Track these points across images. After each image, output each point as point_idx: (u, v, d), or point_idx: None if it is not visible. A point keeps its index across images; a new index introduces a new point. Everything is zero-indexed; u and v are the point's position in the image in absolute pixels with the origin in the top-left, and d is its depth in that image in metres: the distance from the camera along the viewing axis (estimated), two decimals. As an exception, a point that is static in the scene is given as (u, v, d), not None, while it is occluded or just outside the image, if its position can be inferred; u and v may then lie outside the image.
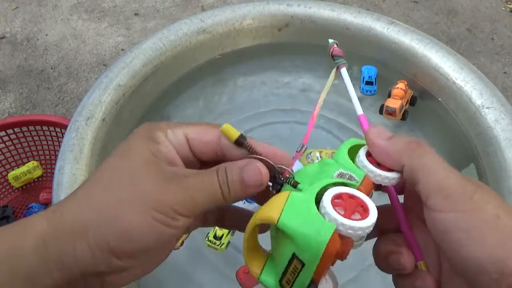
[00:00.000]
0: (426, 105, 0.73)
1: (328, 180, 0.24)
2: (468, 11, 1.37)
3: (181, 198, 0.21)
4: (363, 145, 0.27)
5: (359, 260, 0.60)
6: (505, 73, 1.21)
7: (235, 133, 0.23)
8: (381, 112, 0.72)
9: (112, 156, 0.23)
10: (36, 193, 0.98)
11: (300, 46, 0.81)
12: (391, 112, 0.70)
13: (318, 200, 0.22)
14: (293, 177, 0.24)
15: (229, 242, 0.57)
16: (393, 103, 0.69)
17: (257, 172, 0.22)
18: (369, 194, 0.24)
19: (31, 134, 0.93)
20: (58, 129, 0.91)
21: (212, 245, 0.56)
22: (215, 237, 0.56)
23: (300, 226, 0.21)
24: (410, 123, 0.72)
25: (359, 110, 0.28)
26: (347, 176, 0.24)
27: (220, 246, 0.55)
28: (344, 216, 0.21)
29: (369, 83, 0.74)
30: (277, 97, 0.78)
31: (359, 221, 0.21)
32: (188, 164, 0.24)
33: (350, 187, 0.24)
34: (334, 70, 0.29)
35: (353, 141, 0.27)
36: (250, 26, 0.78)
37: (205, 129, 0.24)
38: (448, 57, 0.70)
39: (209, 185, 0.22)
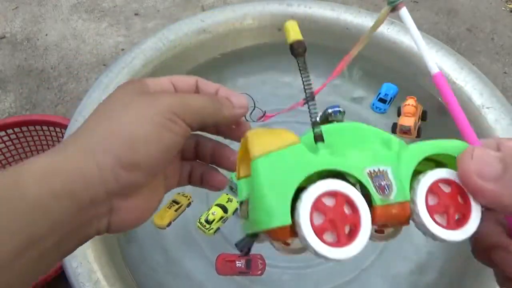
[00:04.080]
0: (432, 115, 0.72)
1: (349, 166, 0.18)
2: (468, 11, 1.37)
3: (178, 101, 0.22)
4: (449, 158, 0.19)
5: (359, 260, 0.60)
6: (505, 73, 1.21)
7: (296, 35, 0.21)
8: (394, 131, 0.69)
9: (101, 102, 0.24)
10: (36, 193, 0.97)
11: (300, 46, 0.81)
12: (405, 131, 0.67)
13: (318, 177, 0.18)
14: (321, 131, 0.19)
15: (218, 228, 0.59)
16: (407, 121, 0.66)
17: (241, 97, 0.26)
18: (383, 221, 0.18)
19: (31, 134, 0.93)
20: (58, 129, 0.91)
21: (202, 227, 0.58)
22: (206, 220, 0.58)
23: (266, 187, 0.17)
24: (422, 138, 0.71)
25: (434, 68, 0.22)
26: (382, 183, 0.18)
27: (209, 231, 0.58)
28: (316, 229, 0.17)
29: (382, 100, 0.72)
30: (277, 97, 0.78)
31: (325, 247, 0.17)
32: None
33: (368, 198, 0.18)
34: (386, 9, 0.23)
35: (443, 146, 0.20)
36: (250, 26, 0.78)
37: (184, 75, 0.27)
38: (448, 57, 0.70)
39: (202, 98, 0.24)
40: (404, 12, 0.22)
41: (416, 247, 0.61)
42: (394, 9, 0.23)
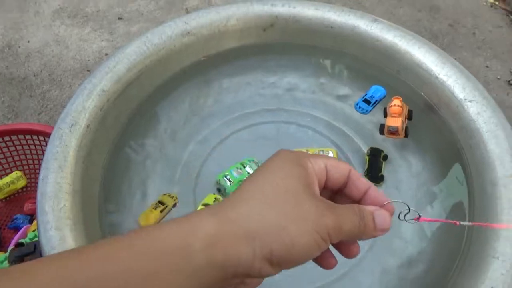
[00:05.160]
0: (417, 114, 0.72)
1: None
2: (450, 7, 1.39)
3: (335, 224, 0.25)
4: None
5: (350, 257, 0.60)
6: (486, 66, 1.23)
7: None
8: (381, 132, 0.69)
9: (265, 171, 0.26)
10: (21, 204, 0.96)
11: (285, 46, 0.81)
12: (393, 132, 0.67)
13: None
14: None
15: None
16: (394, 121, 0.66)
17: (386, 218, 0.27)
18: None
19: (13, 143, 0.92)
20: (41, 138, 0.90)
21: None
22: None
23: None
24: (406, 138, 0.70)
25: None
26: None
27: None
28: None
29: (367, 101, 0.71)
30: (263, 97, 0.78)
31: None
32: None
33: None
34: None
35: None
36: (235, 27, 0.77)
37: (339, 162, 0.28)
38: (431, 53, 0.70)
39: (353, 218, 0.26)
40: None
41: (405, 241, 0.62)
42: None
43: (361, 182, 0.28)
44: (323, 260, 0.29)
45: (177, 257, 0.22)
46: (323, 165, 0.27)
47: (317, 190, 0.26)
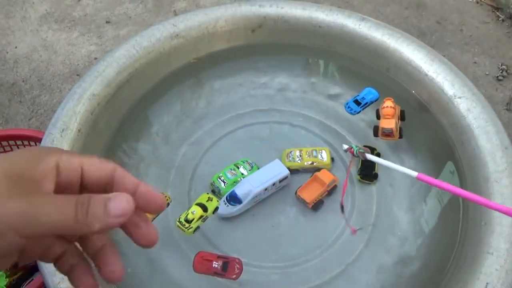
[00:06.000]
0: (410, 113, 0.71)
1: None
2: (437, 4, 1.40)
3: (23, 211, 0.20)
4: None
5: (345, 255, 0.60)
6: (475, 63, 1.24)
7: None
8: (375, 134, 0.68)
9: None
10: (14, 210, 0.95)
11: (274, 46, 0.81)
12: (388, 134, 0.66)
13: None
14: None
15: (198, 227, 0.58)
16: (388, 123, 0.65)
17: (123, 202, 0.22)
18: None
19: (4, 149, 0.91)
20: (33, 143, 0.89)
21: (181, 226, 0.58)
22: (186, 219, 0.58)
23: None
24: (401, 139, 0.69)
25: (412, 173, 0.28)
26: None
27: (188, 229, 0.58)
28: None
29: (357, 102, 0.71)
30: (254, 98, 0.78)
31: None
32: (66, 190, 0.23)
33: None
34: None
35: None
36: (224, 29, 0.77)
37: (102, 161, 0.24)
38: (420, 50, 0.71)
39: (63, 206, 0.21)
40: (370, 156, 0.28)
41: (400, 238, 0.62)
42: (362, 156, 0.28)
43: (127, 180, 0.24)
44: (77, 279, 0.24)
45: None
46: (77, 163, 0.23)
47: (41, 183, 0.22)
